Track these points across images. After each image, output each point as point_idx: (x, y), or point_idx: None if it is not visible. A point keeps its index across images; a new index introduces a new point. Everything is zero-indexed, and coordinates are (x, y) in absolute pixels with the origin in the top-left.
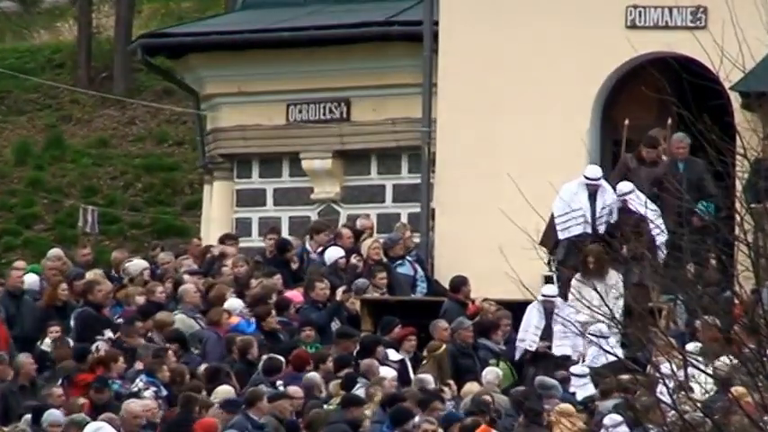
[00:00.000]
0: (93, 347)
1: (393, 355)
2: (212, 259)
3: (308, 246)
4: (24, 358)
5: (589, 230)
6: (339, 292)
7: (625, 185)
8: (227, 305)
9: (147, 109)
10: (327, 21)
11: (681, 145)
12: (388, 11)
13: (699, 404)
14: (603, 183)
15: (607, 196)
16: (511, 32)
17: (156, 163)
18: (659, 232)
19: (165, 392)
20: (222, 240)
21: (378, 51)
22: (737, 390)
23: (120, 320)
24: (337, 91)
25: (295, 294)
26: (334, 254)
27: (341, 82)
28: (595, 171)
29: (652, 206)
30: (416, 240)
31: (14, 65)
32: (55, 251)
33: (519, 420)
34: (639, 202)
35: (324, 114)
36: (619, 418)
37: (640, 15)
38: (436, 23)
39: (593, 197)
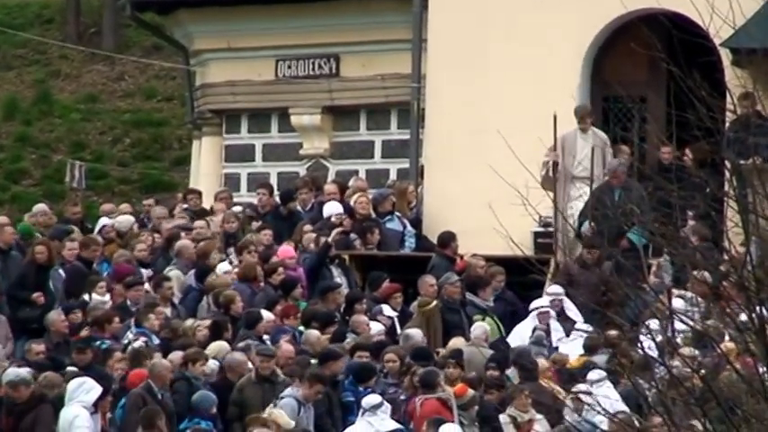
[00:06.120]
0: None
1: (387, 310)
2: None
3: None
4: (56, 315)
5: None
6: (332, 233)
7: (556, 289)
8: (217, 269)
9: (136, 64)
10: None
11: (616, 174)
12: None
13: (687, 360)
14: None
15: None
16: None
17: (145, 118)
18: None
19: (156, 341)
20: (185, 195)
21: (368, 7)
22: (726, 345)
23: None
24: (327, 46)
25: (286, 249)
26: (332, 209)
27: (330, 37)
28: None
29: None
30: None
31: (3, 20)
32: (40, 206)
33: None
34: (574, 309)
35: (313, 70)
36: (603, 373)
37: None
38: None
39: None
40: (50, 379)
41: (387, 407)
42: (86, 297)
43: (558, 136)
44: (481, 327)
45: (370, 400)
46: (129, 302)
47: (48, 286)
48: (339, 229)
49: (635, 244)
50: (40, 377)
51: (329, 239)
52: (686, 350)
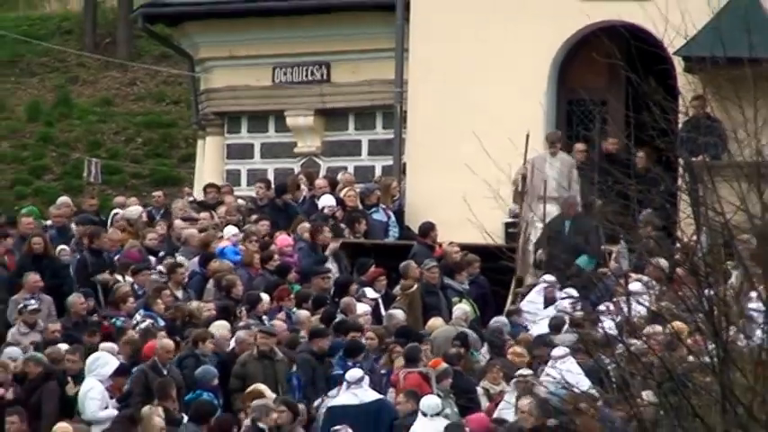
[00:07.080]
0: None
1: (370, 293)
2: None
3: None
4: (75, 298)
5: None
6: (329, 247)
7: (549, 277)
8: (225, 231)
9: (147, 71)
10: None
11: (569, 206)
12: None
13: (644, 338)
14: None
15: None
16: (474, 2)
17: (155, 120)
18: None
19: (162, 323)
20: (205, 189)
21: (355, 19)
22: (677, 325)
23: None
24: (319, 55)
25: (284, 239)
26: (327, 201)
27: (322, 47)
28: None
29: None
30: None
31: (27, 31)
32: (63, 199)
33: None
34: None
35: (306, 76)
36: (567, 350)
37: None
38: None
39: None
40: (58, 352)
41: (367, 380)
42: (119, 278)
43: (529, 156)
44: (461, 308)
45: (354, 373)
46: (135, 287)
47: (47, 274)
48: (335, 245)
49: (583, 268)
50: (48, 350)
51: (326, 253)
52: (647, 328)
